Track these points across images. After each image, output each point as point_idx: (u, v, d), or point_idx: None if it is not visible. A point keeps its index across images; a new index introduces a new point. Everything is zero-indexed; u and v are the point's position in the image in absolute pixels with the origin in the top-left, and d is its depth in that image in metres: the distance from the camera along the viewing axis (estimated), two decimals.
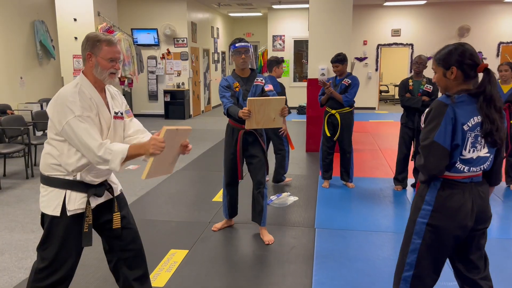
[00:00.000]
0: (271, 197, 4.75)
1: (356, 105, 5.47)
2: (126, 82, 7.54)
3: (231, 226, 3.97)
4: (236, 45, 3.45)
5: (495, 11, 12.57)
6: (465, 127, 1.87)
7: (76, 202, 2.11)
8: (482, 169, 1.96)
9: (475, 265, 2.07)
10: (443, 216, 1.94)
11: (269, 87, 3.51)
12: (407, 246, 2.03)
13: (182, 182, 5.57)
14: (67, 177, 2.09)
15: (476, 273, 2.08)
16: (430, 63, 5.19)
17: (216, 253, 3.47)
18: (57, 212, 2.09)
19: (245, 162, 3.69)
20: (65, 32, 7.19)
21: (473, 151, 1.90)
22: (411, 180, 5.16)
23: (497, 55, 12.80)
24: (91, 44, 2.08)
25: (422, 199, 1.99)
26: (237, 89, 3.49)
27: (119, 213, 2.27)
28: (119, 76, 7.18)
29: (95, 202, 2.20)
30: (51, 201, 2.11)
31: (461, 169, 1.92)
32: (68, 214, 2.10)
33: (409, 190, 5.09)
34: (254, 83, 3.54)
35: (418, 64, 4.90)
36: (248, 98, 3.19)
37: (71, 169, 2.10)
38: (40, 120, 6.48)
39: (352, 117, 5.10)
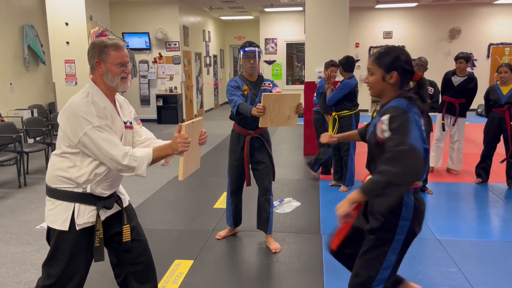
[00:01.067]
0: (273, 203, 4.65)
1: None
2: None
3: (235, 234, 3.87)
4: (246, 49, 3.35)
5: (485, 13, 12.67)
6: (423, 128, 1.89)
7: (85, 215, 2.03)
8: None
9: None
10: (417, 225, 1.92)
11: (277, 90, 3.42)
12: (379, 263, 1.93)
13: (180, 189, 5.45)
14: (75, 190, 2.01)
15: None
16: (432, 65, 5.19)
17: (222, 263, 3.36)
18: (65, 227, 2.00)
19: (250, 169, 3.60)
20: (56, 36, 7.03)
21: None
22: None
23: (488, 57, 12.90)
24: (98, 50, 2.01)
25: (398, 215, 1.88)
26: (245, 92, 3.39)
27: (128, 225, 2.18)
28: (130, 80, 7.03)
29: (104, 214, 2.12)
30: (59, 215, 2.02)
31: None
32: (77, 228, 2.01)
33: None
34: (262, 87, 3.45)
35: (419, 66, 4.86)
36: (263, 93, 3.06)
37: (83, 181, 2.01)
38: (32, 127, 6.31)
39: (351, 121, 5.06)
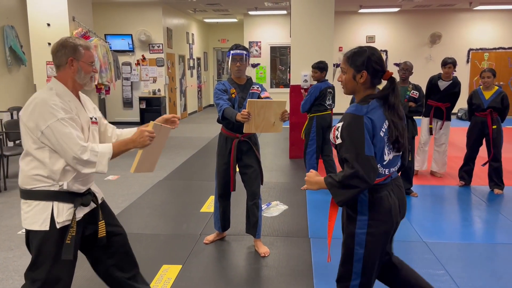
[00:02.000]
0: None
1: (334, 110, 5.59)
2: (103, 89, 7.28)
3: (223, 239, 3.83)
4: (233, 52, 3.33)
5: (465, 19, 12.94)
6: (381, 133, 1.92)
7: (65, 213, 2.01)
8: (397, 167, 2.06)
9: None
10: (379, 221, 1.97)
11: (265, 94, 3.41)
12: (350, 257, 2.03)
13: (166, 193, 5.39)
14: (52, 188, 1.99)
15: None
16: (414, 69, 5.27)
17: (211, 268, 3.33)
18: (45, 227, 1.98)
19: (238, 173, 3.57)
20: (37, 37, 6.87)
21: (390, 153, 1.98)
22: None
23: (467, 62, 13.17)
24: (72, 49, 2.03)
25: (354, 211, 2.00)
26: (233, 95, 3.37)
27: (103, 221, 2.19)
28: (96, 83, 6.92)
29: (81, 212, 2.12)
30: (37, 216, 1.98)
31: (383, 172, 1.97)
32: (58, 226, 1.99)
33: None
34: (250, 91, 3.43)
35: (404, 70, 4.92)
36: (248, 99, 3.05)
37: (58, 177, 1.99)
38: (12, 130, 6.15)
39: (330, 120, 5.24)
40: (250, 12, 12.88)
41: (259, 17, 13.57)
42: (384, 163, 1.96)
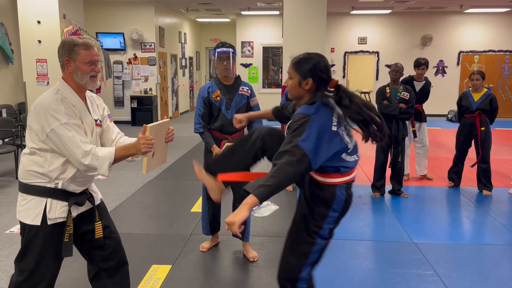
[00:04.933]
0: None
1: None
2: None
3: (217, 244, 3.73)
4: (218, 50, 3.26)
5: (456, 21, 13.05)
6: (333, 128, 1.93)
7: (57, 210, 2.04)
8: (357, 159, 2.04)
9: None
10: (342, 217, 2.08)
11: (254, 103, 3.38)
12: (309, 249, 2.05)
13: (156, 192, 5.37)
14: (48, 185, 2.03)
15: None
16: (404, 71, 5.30)
17: (201, 268, 3.32)
18: (37, 221, 2.02)
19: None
20: (28, 35, 6.80)
21: (352, 141, 2.01)
22: (388, 186, 5.19)
23: (457, 64, 13.28)
24: (68, 49, 2.04)
25: (329, 207, 2.02)
26: (218, 98, 3.29)
27: (100, 222, 2.19)
28: (101, 79, 6.86)
29: (76, 211, 2.13)
30: (30, 210, 2.03)
31: (352, 159, 2.01)
32: (49, 223, 2.03)
33: (387, 197, 5.11)
34: (239, 92, 3.37)
35: (395, 72, 4.94)
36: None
37: (54, 176, 2.02)
38: (0, 128, 6.07)
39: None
40: (243, 12, 12.88)
41: (252, 17, 13.57)
42: (349, 150, 1.98)
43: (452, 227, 4.30)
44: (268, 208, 4.67)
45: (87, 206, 2.19)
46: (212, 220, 3.61)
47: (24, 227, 2.06)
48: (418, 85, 5.57)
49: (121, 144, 2.24)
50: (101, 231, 2.18)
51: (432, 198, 5.14)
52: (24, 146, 6.13)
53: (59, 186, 2.03)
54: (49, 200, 2.02)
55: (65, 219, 2.06)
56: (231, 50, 3.27)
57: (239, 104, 3.35)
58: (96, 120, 2.17)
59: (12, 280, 2.12)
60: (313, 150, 1.84)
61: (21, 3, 6.79)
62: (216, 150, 3.00)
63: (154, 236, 3.92)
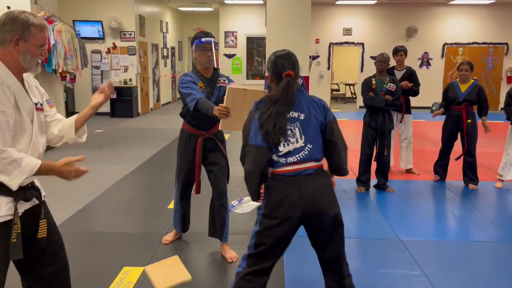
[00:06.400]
0: (232, 202, 4.44)
1: None
2: (68, 77, 6.90)
3: (180, 238, 3.59)
4: (203, 39, 3.00)
5: (441, 13, 12.99)
6: (258, 127, 2.10)
7: (3, 207, 1.77)
8: (299, 159, 2.09)
9: (329, 267, 2.23)
10: (269, 208, 2.11)
11: (233, 85, 3.17)
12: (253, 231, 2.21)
13: (133, 187, 5.13)
14: None
15: (330, 274, 2.24)
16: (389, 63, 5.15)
17: None
18: None
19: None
20: None
21: (288, 145, 2.09)
22: (374, 181, 5.04)
23: (442, 56, 13.25)
24: (22, 27, 1.77)
25: (263, 195, 2.20)
26: (201, 89, 3.04)
27: (45, 220, 1.93)
28: (60, 70, 6.55)
29: (22, 207, 1.85)
30: None
31: (281, 162, 2.10)
32: (1, 220, 1.75)
33: (372, 192, 4.97)
34: (217, 84, 3.14)
35: (381, 62, 4.77)
36: (228, 86, 2.68)
37: None
38: None
39: None
40: (226, 1, 12.59)
41: (235, 6, 13.28)
42: (280, 153, 2.09)
43: (439, 223, 4.18)
44: (250, 204, 4.47)
45: (32, 202, 1.91)
46: (183, 219, 3.45)
47: None
48: (398, 74, 5.42)
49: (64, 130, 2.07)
50: (45, 230, 1.91)
51: (418, 193, 5.02)
52: None
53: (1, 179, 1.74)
54: None
55: (11, 218, 1.78)
56: (213, 40, 3.04)
57: (218, 97, 3.14)
58: (36, 104, 1.90)
59: None
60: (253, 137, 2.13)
61: None
62: (216, 112, 2.68)
63: (128, 235, 3.69)
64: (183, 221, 3.47)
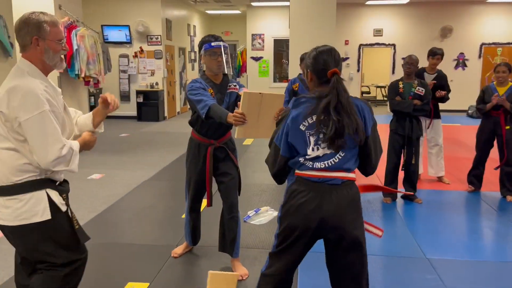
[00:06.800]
0: (248, 212, 4.25)
1: None
2: (91, 82, 6.91)
3: (191, 251, 3.44)
4: (213, 44, 2.80)
5: (478, 12, 12.37)
6: (302, 127, 1.92)
7: (57, 199, 1.94)
8: (327, 166, 1.91)
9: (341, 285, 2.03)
10: (286, 211, 1.97)
11: (244, 90, 2.97)
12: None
13: (149, 195, 5.01)
14: (39, 177, 1.89)
15: None
16: (422, 65, 4.82)
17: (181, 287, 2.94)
18: (47, 216, 1.88)
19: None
20: None
21: (318, 149, 1.92)
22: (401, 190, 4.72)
23: (479, 57, 12.62)
24: (36, 27, 1.85)
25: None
26: (212, 95, 2.84)
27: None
28: (83, 75, 6.55)
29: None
30: (35, 208, 1.86)
31: (308, 165, 1.93)
32: (63, 209, 1.95)
33: (399, 203, 4.66)
34: (228, 90, 2.95)
35: (409, 64, 4.47)
36: (243, 90, 2.49)
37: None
38: None
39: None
40: (253, 3, 12.44)
41: (263, 9, 13.12)
42: (308, 156, 1.93)
43: (472, 240, 3.83)
44: (268, 214, 4.26)
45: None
46: (193, 232, 3.29)
47: (31, 229, 1.87)
48: (428, 78, 5.07)
49: (80, 124, 2.20)
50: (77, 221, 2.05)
51: (449, 204, 4.66)
52: None
53: (48, 175, 1.92)
54: (48, 191, 1.90)
55: (67, 207, 1.98)
56: (223, 43, 2.84)
57: (228, 104, 2.96)
58: None
59: (50, 277, 1.95)
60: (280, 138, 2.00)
61: None
62: (231, 119, 2.48)
63: (137, 247, 3.56)
64: (193, 233, 3.31)
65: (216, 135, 2.95)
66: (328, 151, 1.92)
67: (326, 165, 1.92)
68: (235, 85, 2.98)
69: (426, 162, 5.52)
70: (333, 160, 1.92)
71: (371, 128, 1.97)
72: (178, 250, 3.38)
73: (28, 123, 1.76)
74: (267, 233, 3.83)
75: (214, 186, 3.09)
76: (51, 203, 1.89)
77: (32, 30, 1.83)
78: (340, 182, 1.93)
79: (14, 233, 1.90)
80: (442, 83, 5.08)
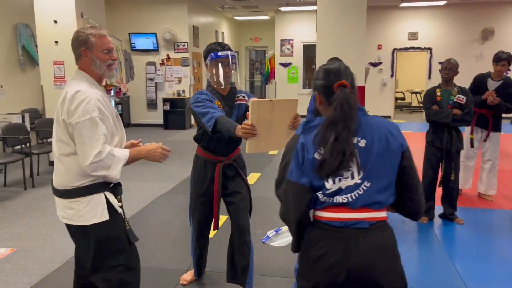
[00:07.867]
0: (268, 233, 3.91)
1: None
2: (113, 91, 6.78)
3: (200, 276, 3.14)
4: (219, 53, 2.54)
5: None
6: (317, 155, 1.55)
7: (113, 201, 2.05)
8: (350, 200, 1.54)
9: None
10: (304, 265, 1.65)
11: (253, 99, 2.66)
12: None
13: (166, 210, 4.76)
14: (97, 181, 2.02)
15: None
16: (461, 69, 4.36)
17: None
18: (105, 216, 2.02)
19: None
20: (45, 35, 6.43)
21: (339, 181, 1.55)
22: (439, 209, 4.27)
23: None
24: (83, 39, 2.02)
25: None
26: (219, 107, 2.59)
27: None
28: (104, 84, 6.42)
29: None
30: (95, 209, 2.01)
31: (327, 201, 1.57)
32: (119, 211, 2.07)
33: (437, 223, 4.20)
34: (236, 102, 2.67)
35: (447, 69, 4.02)
36: (251, 100, 2.20)
37: None
38: (10, 135, 5.70)
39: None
40: (282, 8, 12.14)
41: (291, 14, 12.79)
42: (327, 191, 1.56)
43: None
44: (289, 235, 3.90)
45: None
46: (199, 260, 3.01)
47: (91, 229, 2.02)
48: (493, 85, 4.56)
49: None
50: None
51: (493, 226, 4.17)
52: (28, 154, 5.70)
53: (105, 179, 2.03)
54: (106, 193, 2.03)
55: (121, 209, 2.10)
56: (230, 52, 2.57)
57: (237, 117, 2.66)
58: None
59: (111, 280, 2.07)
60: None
61: (38, 1, 6.44)
62: (239, 132, 2.20)
63: (145, 270, 3.23)
64: (198, 264, 3.03)
65: (225, 151, 2.66)
66: (351, 182, 1.56)
67: (349, 199, 1.56)
68: (244, 96, 2.69)
69: (477, 177, 5.00)
70: (357, 193, 1.56)
71: (406, 153, 1.61)
72: (188, 276, 3.09)
73: (77, 126, 1.91)
74: (288, 257, 3.48)
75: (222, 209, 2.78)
76: (109, 204, 2.03)
77: (80, 42, 2.02)
78: (368, 225, 1.56)
79: (77, 232, 2.08)
80: (509, 91, 4.52)
